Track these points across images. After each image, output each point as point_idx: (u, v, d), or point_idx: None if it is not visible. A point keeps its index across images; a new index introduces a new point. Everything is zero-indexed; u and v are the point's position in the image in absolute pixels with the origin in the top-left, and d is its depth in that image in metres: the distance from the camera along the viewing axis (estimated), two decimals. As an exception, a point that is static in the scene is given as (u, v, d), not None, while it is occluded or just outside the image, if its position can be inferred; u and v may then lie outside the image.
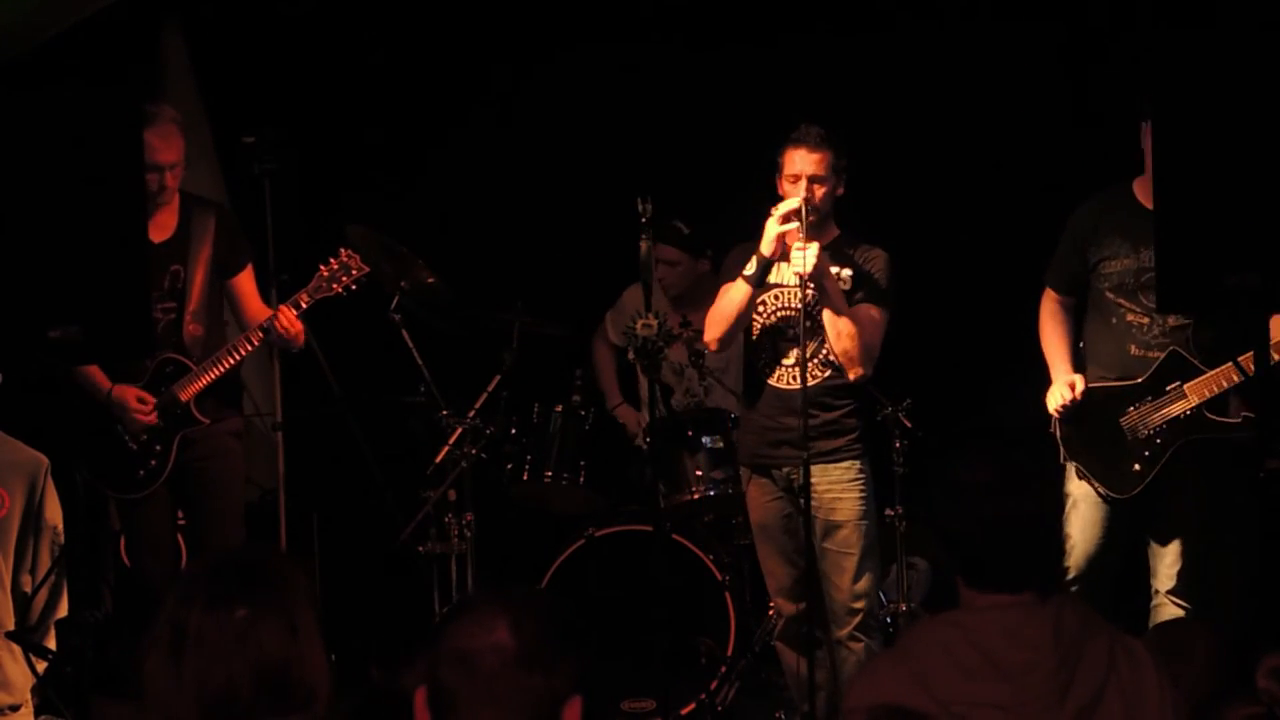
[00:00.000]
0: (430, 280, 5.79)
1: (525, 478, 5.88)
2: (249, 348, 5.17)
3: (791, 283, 4.89)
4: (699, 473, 5.64)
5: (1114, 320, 4.86)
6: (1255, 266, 3.81)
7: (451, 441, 5.87)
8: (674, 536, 5.51)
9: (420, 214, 6.65)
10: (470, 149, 6.89)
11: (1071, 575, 4.86)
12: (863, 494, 4.99)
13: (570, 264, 6.69)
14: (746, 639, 5.61)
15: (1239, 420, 4.70)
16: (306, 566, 2.55)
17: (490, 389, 5.93)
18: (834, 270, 4.95)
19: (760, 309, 5.03)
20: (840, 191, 4.98)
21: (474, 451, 5.84)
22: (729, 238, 5.27)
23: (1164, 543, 4.85)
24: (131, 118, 4.17)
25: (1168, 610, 4.84)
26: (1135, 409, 4.82)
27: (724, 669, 5.52)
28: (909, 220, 6.29)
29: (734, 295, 4.94)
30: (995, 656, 2.55)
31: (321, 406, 5.78)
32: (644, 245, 4.87)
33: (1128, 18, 6.07)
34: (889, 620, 5.62)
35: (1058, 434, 4.94)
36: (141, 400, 5.10)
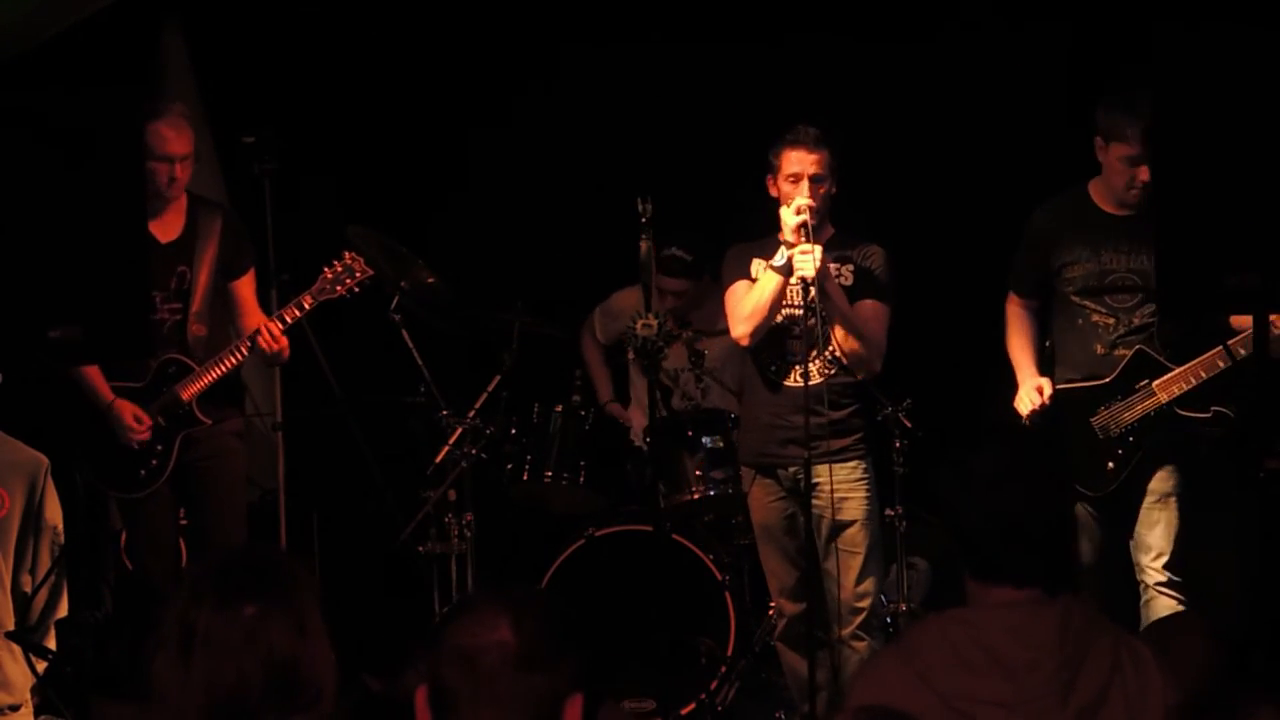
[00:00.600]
0: (430, 280, 5.79)
1: (525, 478, 5.88)
2: (240, 358, 5.18)
3: (796, 285, 4.90)
4: (699, 473, 5.64)
5: (1080, 322, 4.94)
6: (1255, 266, 3.81)
7: (451, 441, 5.87)
8: (674, 536, 5.51)
9: (420, 214, 6.65)
10: (470, 149, 6.89)
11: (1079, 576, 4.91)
12: (868, 493, 5.00)
13: (570, 264, 6.69)
14: (746, 639, 5.61)
15: (1210, 415, 4.76)
16: (307, 566, 2.55)
17: (490, 389, 5.94)
18: (835, 266, 4.96)
19: None
20: (834, 191, 5.00)
21: (474, 451, 5.84)
22: (729, 238, 5.27)
23: (1147, 537, 4.89)
24: (131, 118, 4.17)
25: (1159, 603, 4.86)
26: (1106, 408, 4.90)
27: (724, 669, 5.52)
28: (910, 221, 6.29)
29: (765, 287, 4.92)
30: (999, 654, 2.55)
31: (321, 406, 5.78)
32: (644, 245, 4.87)
33: (1128, 18, 6.07)
34: (889, 620, 5.62)
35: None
36: (138, 419, 5.10)
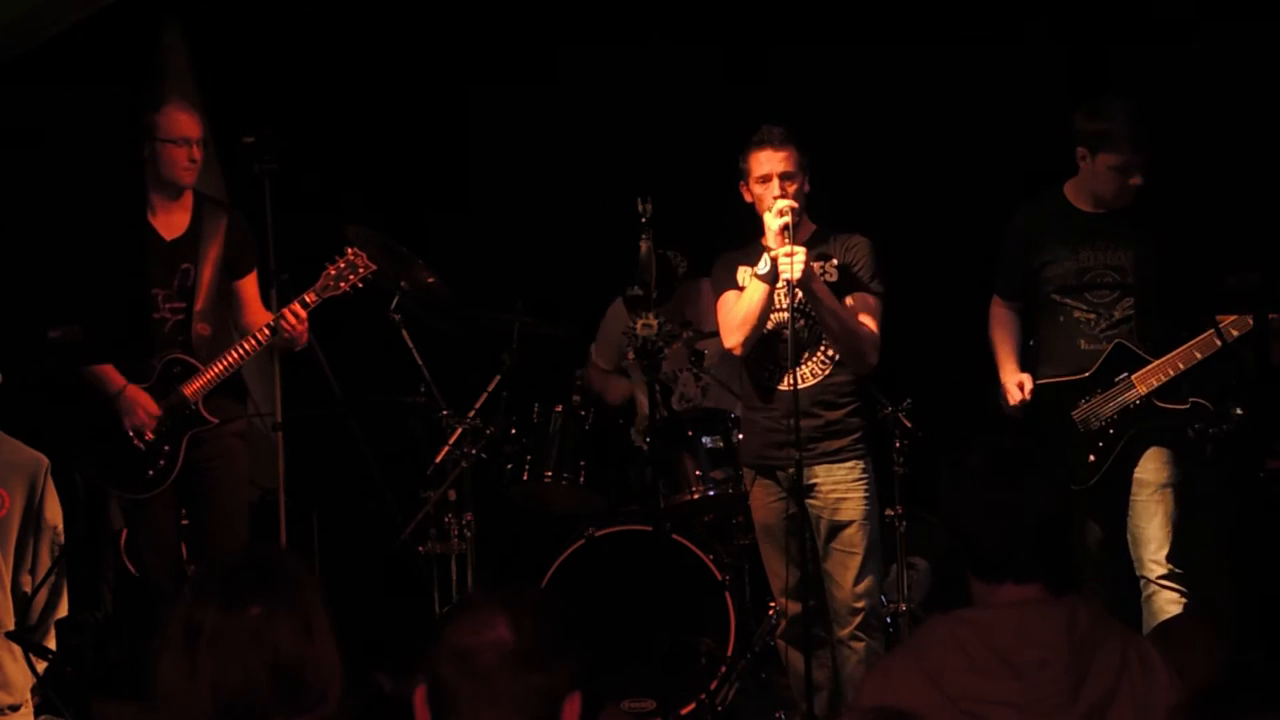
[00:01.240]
0: (430, 280, 5.79)
1: (525, 478, 5.87)
2: (255, 346, 5.17)
3: (783, 289, 4.90)
4: (699, 473, 5.63)
5: (1061, 319, 5.00)
6: (1255, 266, 3.83)
7: (451, 441, 5.87)
8: (674, 536, 5.51)
9: (420, 214, 6.65)
10: (470, 149, 6.89)
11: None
12: (867, 494, 5.00)
13: (570, 264, 6.69)
14: (746, 639, 5.60)
15: (1188, 406, 4.82)
16: (307, 567, 2.55)
17: (490, 389, 5.93)
18: (818, 264, 4.96)
19: None
20: (808, 189, 5.00)
21: (474, 451, 5.84)
22: (729, 238, 5.26)
23: (1146, 530, 4.90)
24: (132, 118, 4.18)
25: (1162, 597, 4.86)
26: (1086, 401, 4.95)
27: (724, 669, 5.52)
28: (910, 221, 6.30)
29: (753, 296, 4.93)
30: (1007, 654, 2.56)
31: (321, 406, 5.78)
32: (644, 245, 4.87)
33: (1127, 19, 6.08)
34: (889, 620, 5.62)
35: None
36: (149, 413, 5.10)
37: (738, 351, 5.04)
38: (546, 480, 5.85)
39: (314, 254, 5.36)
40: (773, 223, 4.86)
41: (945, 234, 6.40)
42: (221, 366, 5.15)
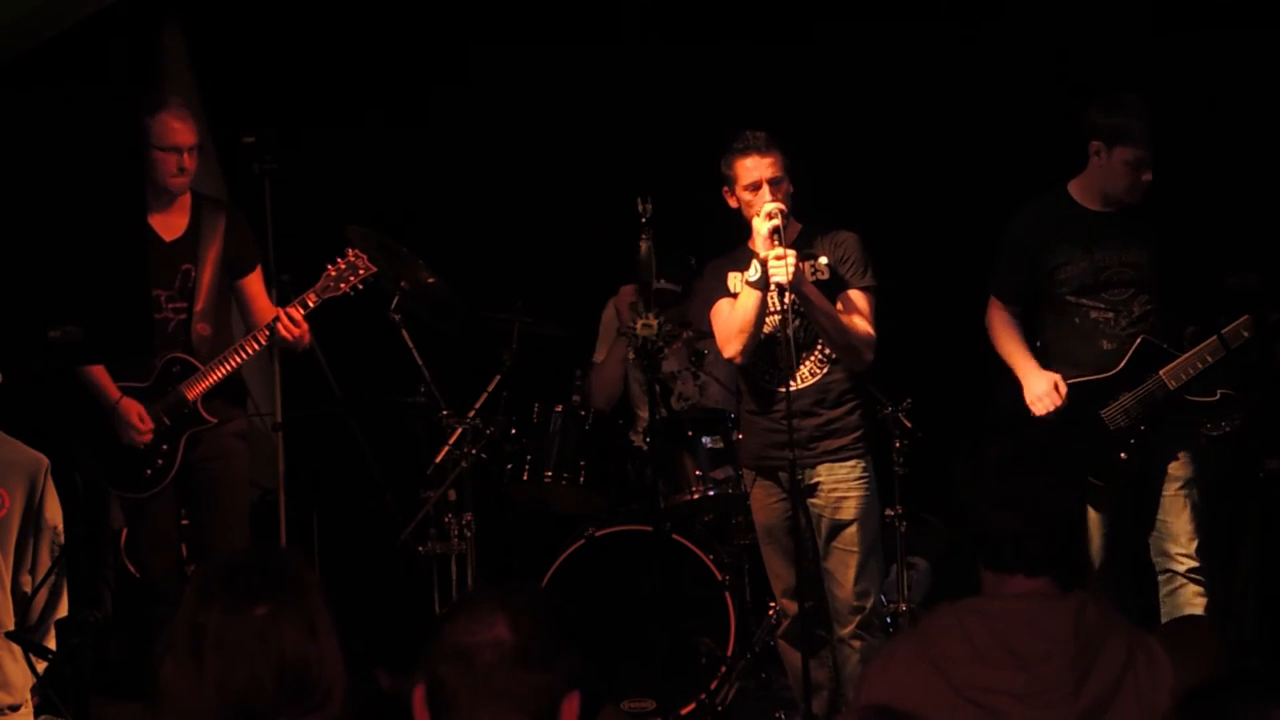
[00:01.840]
0: (430, 280, 5.79)
1: (525, 478, 5.87)
2: (255, 347, 5.17)
3: (774, 292, 4.91)
4: (699, 473, 5.64)
5: (1078, 320, 4.95)
6: (1255, 266, 3.83)
7: (451, 441, 5.87)
8: (674, 536, 5.51)
9: (420, 214, 6.65)
10: (470, 149, 6.89)
11: (1096, 568, 4.90)
12: (868, 493, 5.00)
13: (570, 264, 6.69)
14: (746, 639, 5.61)
15: (1216, 398, 4.79)
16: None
17: (490, 389, 5.94)
18: (809, 262, 4.96)
19: None
20: (792, 189, 5.00)
21: (474, 451, 5.84)
22: (729, 237, 5.27)
23: (1174, 524, 4.89)
24: (131, 117, 4.17)
25: (1189, 591, 4.87)
26: (1114, 400, 4.91)
27: (724, 669, 5.52)
28: (911, 221, 6.30)
29: (746, 304, 4.92)
30: (1013, 645, 2.57)
31: (321, 406, 5.78)
32: (644, 245, 4.87)
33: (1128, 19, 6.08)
34: (889, 620, 5.63)
35: None
36: (142, 419, 5.10)
37: (737, 360, 5.05)
38: (546, 480, 5.85)
39: (314, 254, 5.36)
40: (761, 227, 4.86)
41: (945, 233, 6.40)
42: (222, 368, 5.15)
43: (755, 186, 4.94)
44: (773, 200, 4.89)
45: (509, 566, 6.23)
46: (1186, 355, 4.81)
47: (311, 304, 5.19)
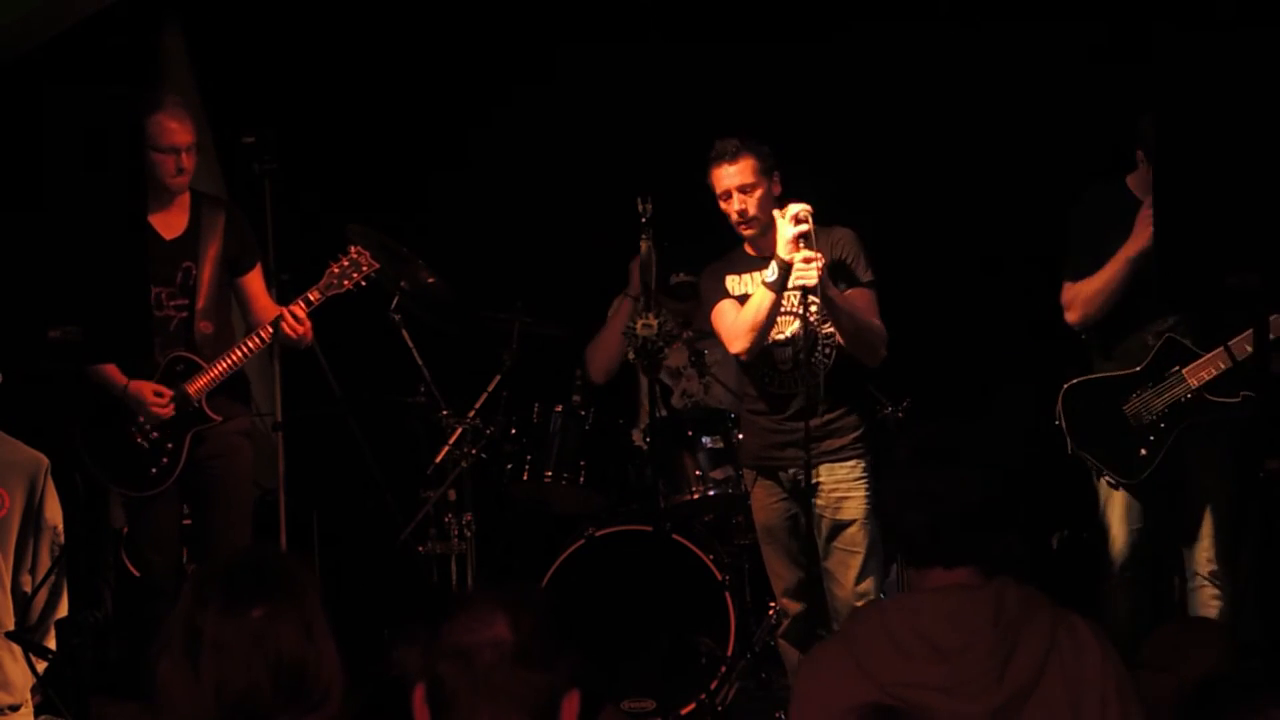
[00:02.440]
0: (430, 280, 5.79)
1: (525, 478, 5.88)
2: (258, 344, 5.17)
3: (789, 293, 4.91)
4: (699, 473, 5.64)
5: (1126, 313, 4.90)
6: (1255, 266, 3.82)
7: (451, 441, 5.87)
8: (674, 536, 5.51)
9: (420, 214, 6.65)
10: (470, 149, 6.89)
11: (1118, 567, 4.94)
12: (868, 492, 5.00)
13: (570, 264, 6.69)
14: (746, 639, 5.61)
15: (1239, 399, 4.77)
16: (308, 567, 2.55)
17: (490, 389, 5.94)
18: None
19: None
20: (777, 190, 5.00)
21: (474, 451, 5.84)
22: (728, 237, 5.27)
23: (1195, 526, 4.88)
24: (131, 117, 4.17)
25: (1205, 593, 4.87)
26: (1137, 395, 4.90)
27: (724, 669, 5.52)
28: (911, 221, 6.30)
29: (761, 304, 4.91)
30: (934, 638, 2.58)
31: (321, 406, 5.78)
32: (644, 245, 4.88)
33: (1134, 18, 6.07)
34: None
35: (1063, 425, 4.99)
36: (158, 394, 5.10)
37: (745, 356, 5.04)
38: (546, 480, 5.85)
39: (314, 254, 5.36)
40: (786, 231, 4.83)
41: (945, 233, 6.40)
42: (225, 364, 5.15)
43: (725, 195, 4.96)
44: (745, 209, 4.90)
45: (509, 566, 6.23)
46: (1209, 355, 4.79)
47: (314, 300, 5.19)
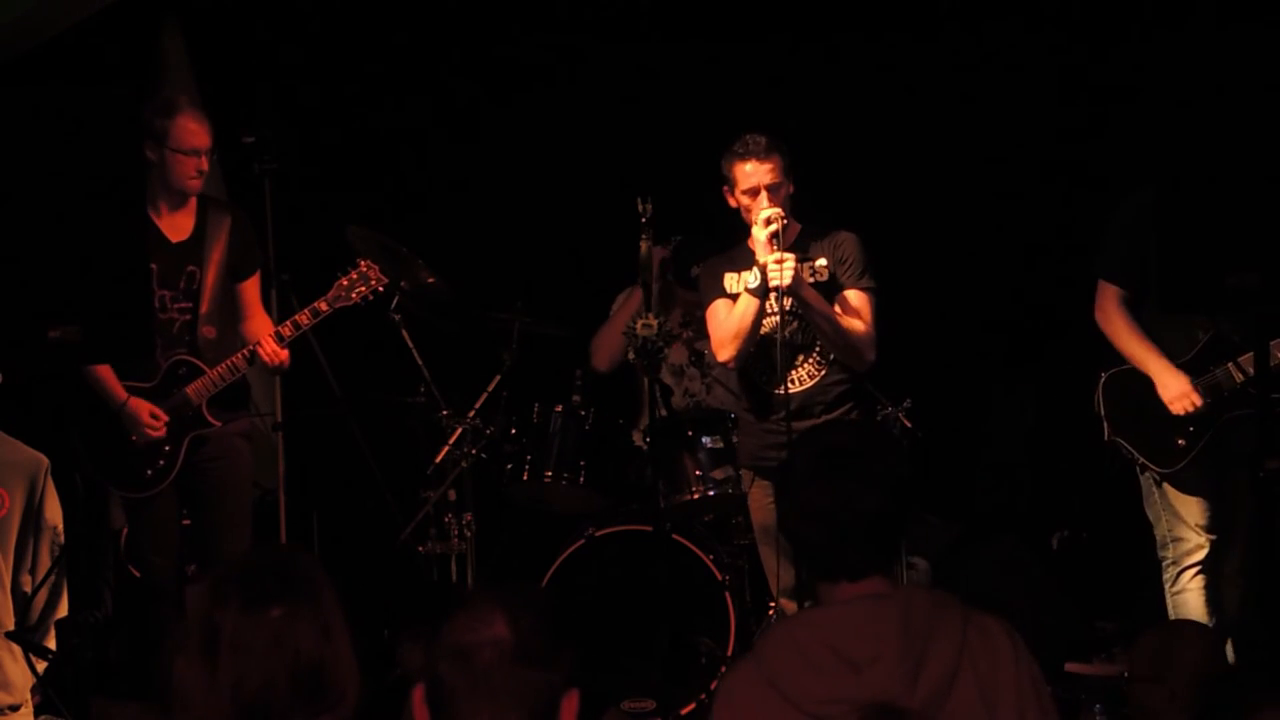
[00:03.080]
0: (430, 280, 5.79)
1: (525, 478, 5.87)
2: (245, 365, 5.16)
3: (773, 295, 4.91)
4: (699, 473, 5.63)
5: None
6: (1255, 266, 3.82)
7: (451, 441, 5.87)
8: (674, 536, 5.51)
9: (420, 214, 6.65)
10: (470, 148, 6.89)
11: (1194, 555, 4.90)
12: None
13: (570, 264, 6.69)
14: (746, 639, 5.60)
15: None
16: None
17: (490, 389, 5.94)
18: (808, 264, 4.96)
19: None
20: (793, 190, 5.00)
21: (474, 451, 5.84)
22: (729, 237, 5.27)
23: (1230, 522, 4.86)
24: (131, 116, 4.17)
25: (1231, 589, 4.86)
26: None
27: (724, 669, 5.52)
28: (911, 222, 6.30)
29: (743, 311, 4.94)
30: (843, 651, 2.55)
31: (321, 406, 5.78)
32: (644, 245, 4.88)
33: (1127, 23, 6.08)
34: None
35: (1101, 412, 4.97)
36: (154, 416, 5.09)
37: (731, 365, 5.08)
38: (546, 480, 5.85)
39: (314, 254, 5.36)
40: (760, 233, 4.87)
41: (945, 234, 6.40)
42: (226, 370, 5.15)
43: (754, 192, 4.95)
44: (771, 205, 4.90)
45: (509, 566, 6.23)
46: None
47: (323, 311, 5.18)
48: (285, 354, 5.15)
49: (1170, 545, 4.95)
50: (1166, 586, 4.98)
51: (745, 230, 5.07)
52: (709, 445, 5.69)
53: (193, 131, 5.06)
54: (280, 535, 5.41)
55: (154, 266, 4.88)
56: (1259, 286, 3.81)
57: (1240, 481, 4.82)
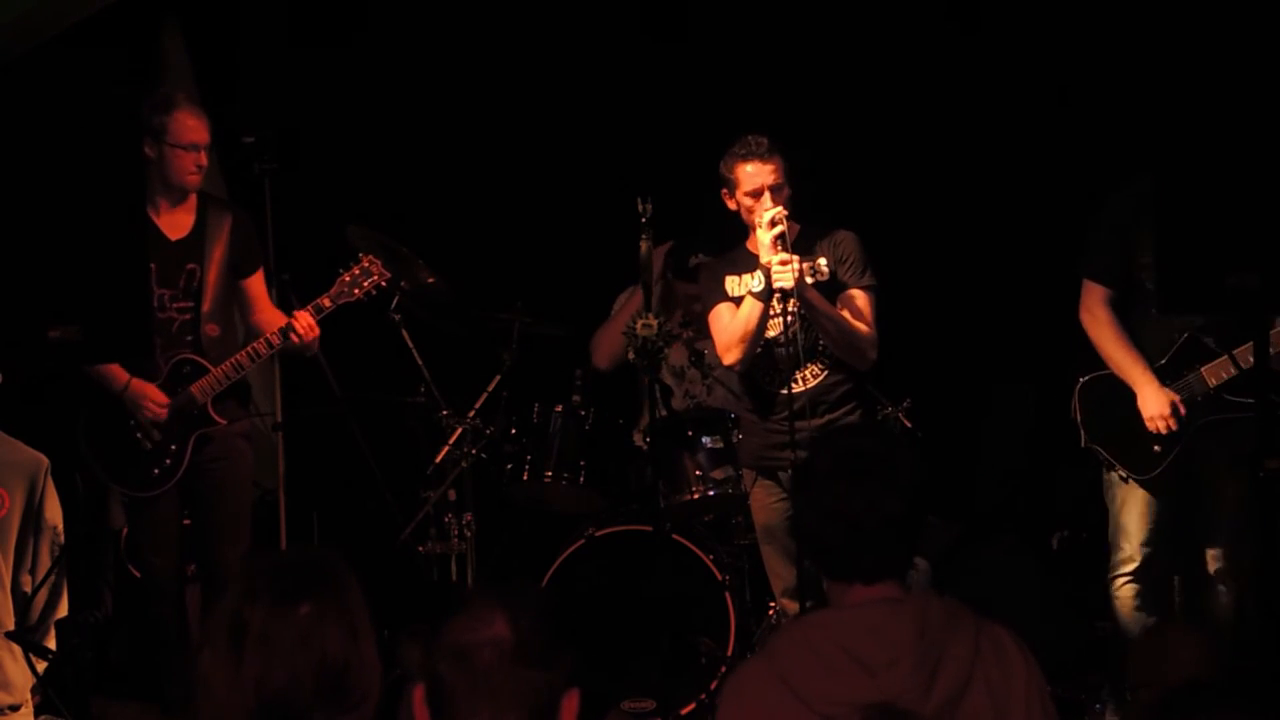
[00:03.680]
0: (430, 280, 5.79)
1: (525, 478, 5.87)
2: (266, 349, 5.16)
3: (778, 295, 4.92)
4: (699, 473, 5.63)
5: (1156, 310, 4.81)
6: (1255, 266, 3.82)
7: (451, 441, 5.87)
8: (674, 536, 5.51)
9: (420, 214, 6.65)
10: (470, 148, 6.89)
11: (1126, 566, 4.92)
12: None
13: (570, 264, 6.69)
14: (746, 639, 5.60)
15: (1254, 401, 4.74)
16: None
17: (490, 389, 5.94)
18: (809, 263, 4.96)
19: None
20: (791, 191, 5.00)
21: (474, 451, 5.84)
22: (729, 236, 5.27)
23: (1208, 526, 4.86)
24: (131, 117, 4.17)
25: (1217, 594, 4.86)
26: None
27: (724, 669, 5.52)
28: (911, 221, 6.30)
29: (748, 314, 4.94)
30: (859, 654, 2.55)
31: (321, 406, 5.78)
32: (644, 245, 4.88)
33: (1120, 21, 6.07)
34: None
35: (1078, 419, 4.97)
36: (157, 402, 5.09)
37: (737, 368, 5.08)
38: (546, 480, 5.85)
39: (314, 254, 5.36)
40: (764, 235, 4.87)
41: (945, 234, 6.40)
42: (231, 367, 5.14)
43: (756, 193, 4.95)
44: (773, 206, 4.90)
45: (509, 566, 6.23)
46: (1227, 355, 4.74)
47: (326, 308, 5.19)
48: (317, 331, 5.15)
49: (1113, 551, 4.97)
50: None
51: (744, 232, 5.07)
52: (709, 445, 5.68)
53: (191, 127, 5.07)
54: (280, 535, 5.41)
55: (152, 265, 4.89)
56: (1259, 286, 3.81)
57: (1221, 486, 4.83)
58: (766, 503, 5.13)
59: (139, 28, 6.58)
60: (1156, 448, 4.84)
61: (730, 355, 5.05)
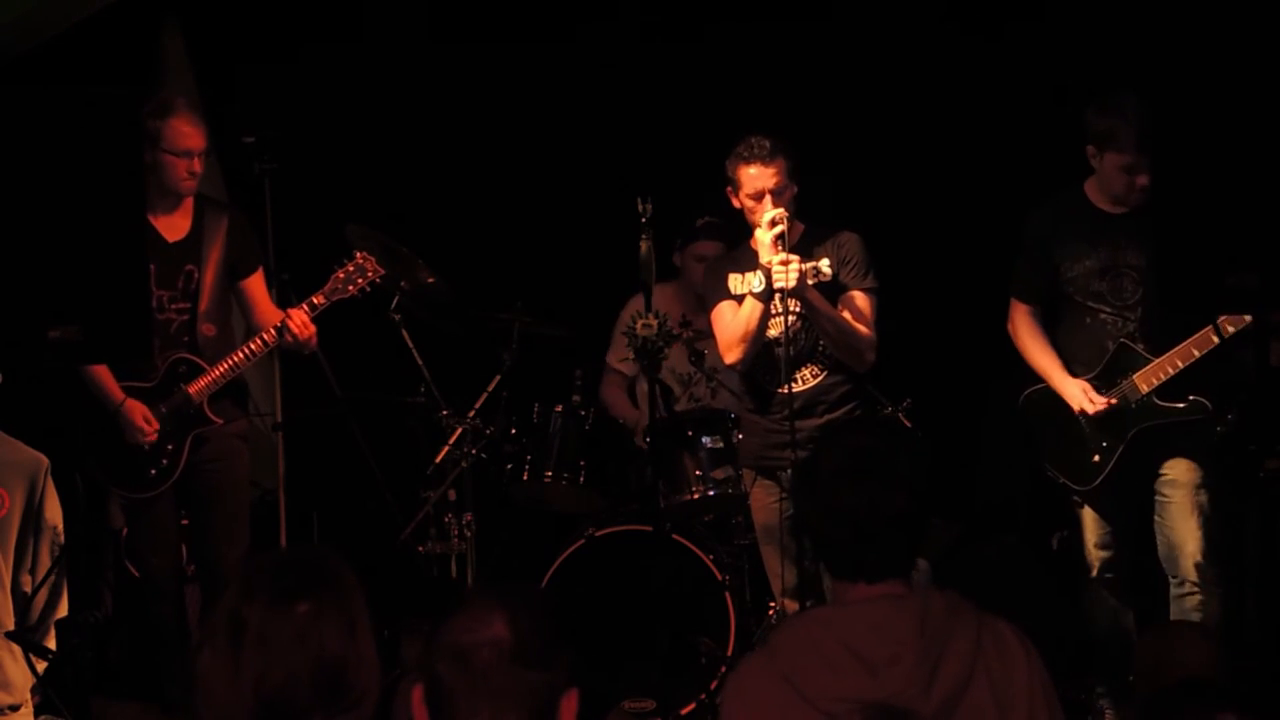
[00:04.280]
0: (430, 280, 5.79)
1: (525, 478, 5.87)
2: (261, 347, 5.17)
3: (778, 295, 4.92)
4: (699, 473, 5.63)
5: (1088, 320, 4.94)
6: (1254, 266, 3.83)
7: (451, 441, 5.87)
8: (674, 536, 5.51)
9: (420, 214, 6.65)
10: (470, 148, 6.89)
11: (1089, 572, 4.99)
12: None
13: (570, 264, 6.69)
14: (746, 639, 5.60)
15: (1186, 404, 4.78)
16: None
17: (490, 389, 5.94)
18: (811, 264, 4.97)
19: None
20: (796, 190, 5.01)
21: (474, 451, 5.84)
22: (730, 235, 5.27)
23: (1177, 533, 4.87)
24: (131, 118, 4.17)
25: (1191, 599, 4.86)
26: None
27: (724, 669, 5.52)
28: (911, 221, 6.30)
29: (749, 314, 4.95)
30: (860, 651, 2.55)
31: (321, 406, 5.78)
32: (644, 245, 4.88)
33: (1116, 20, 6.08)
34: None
35: (1027, 435, 5.06)
36: (148, 420, 5.09)
37: (738, 368, 5.08)
38: (546, 480, 5.85)
39: (314, 254, 5.36)
40: (764, 235, 4.87)
41: (946, 234, 6.40)
42: (227, 366, 5.15)
43: (758, 196, 4.95)
44: (775, 208, 4.91)
45: (509, 566, 6.23)
46: (1157, 360, 4.80)
47: (319, 305, 5.20)
48: (314, 329, 5.16)
49: (1084, 553, 5.04)
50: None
51: (748, 231, 5.07)
52: (709, 445, 5.68)
53: (185, 134, 5.07)
54: (280, 535, 5.41)
55: (151, 267, 4.89)
56: (1259, 286, 3.82)
57: (1182, 491, 4.84)
58: (766, 502, 5.13)
59: (139, 28, 6.58)
60: (1095, 458, 4.89)
61: (731, 354, 5.06)
